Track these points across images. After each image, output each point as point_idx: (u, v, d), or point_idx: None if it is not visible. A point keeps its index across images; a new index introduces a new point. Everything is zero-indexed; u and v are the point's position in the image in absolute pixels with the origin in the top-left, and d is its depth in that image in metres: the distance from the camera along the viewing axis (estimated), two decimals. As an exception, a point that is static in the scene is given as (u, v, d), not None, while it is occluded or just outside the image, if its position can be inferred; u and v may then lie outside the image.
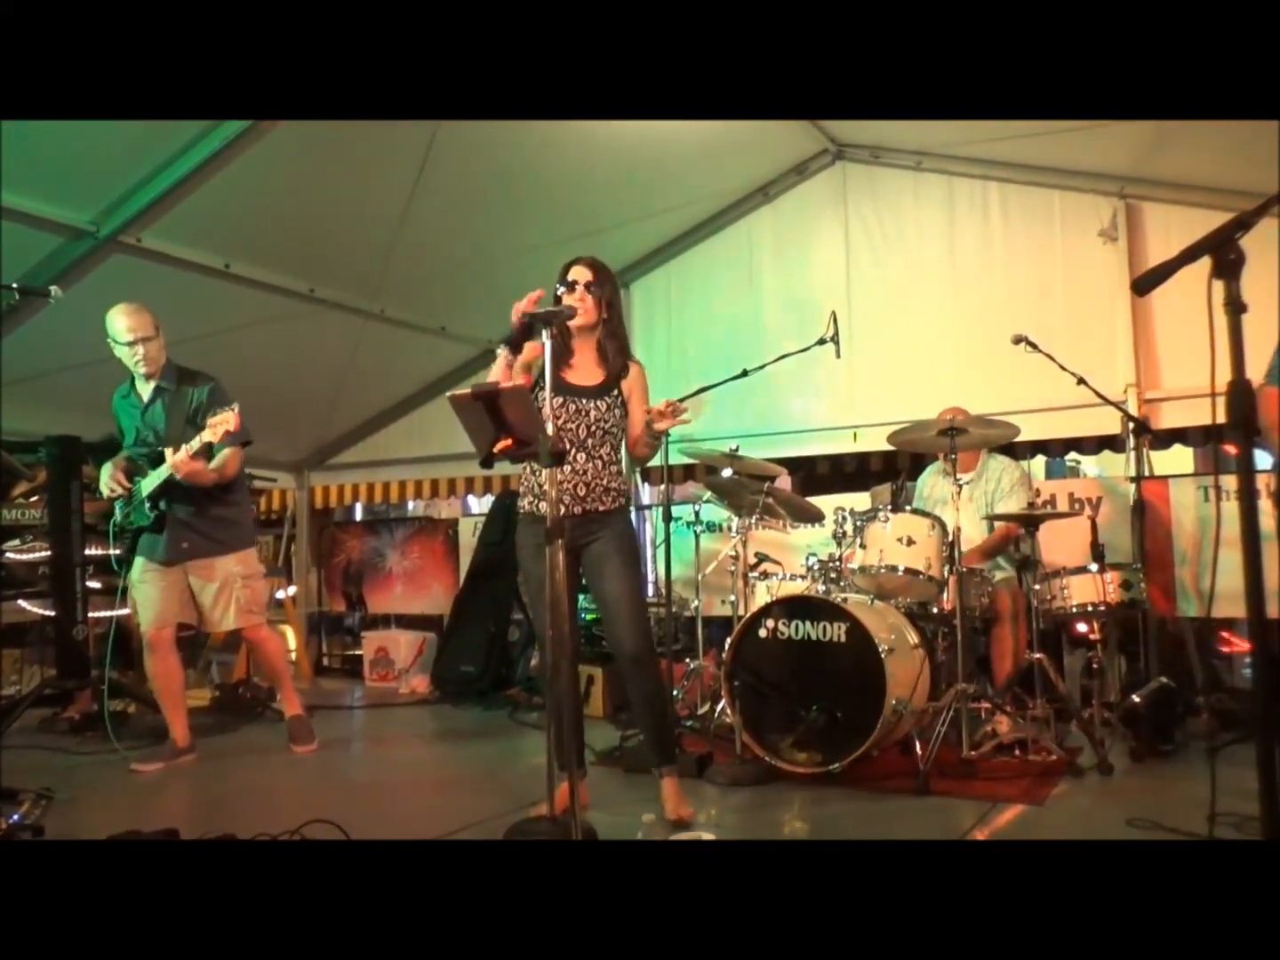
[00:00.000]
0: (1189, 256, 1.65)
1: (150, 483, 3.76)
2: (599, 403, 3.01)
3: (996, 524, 4.17)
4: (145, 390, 3.89)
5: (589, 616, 4.91)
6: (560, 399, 2.99)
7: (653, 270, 6.01)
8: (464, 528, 6.42)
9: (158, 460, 3.74)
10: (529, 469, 3.10)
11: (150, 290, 4.69)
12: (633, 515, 3.21)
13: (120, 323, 3.73)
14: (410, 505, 7.48)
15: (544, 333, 2.49)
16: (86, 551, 4.61)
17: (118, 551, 3.95)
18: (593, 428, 3.00)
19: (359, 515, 8.27)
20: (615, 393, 3.02)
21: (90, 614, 4.62)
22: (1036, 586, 3.76)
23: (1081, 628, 3.97)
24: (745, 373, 4.58)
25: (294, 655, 6.07)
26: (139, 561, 3.87)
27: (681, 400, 4.48)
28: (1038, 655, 3.66)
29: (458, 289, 5.59)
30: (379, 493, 7.07)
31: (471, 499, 7.59)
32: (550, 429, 2.42)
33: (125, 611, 5.16)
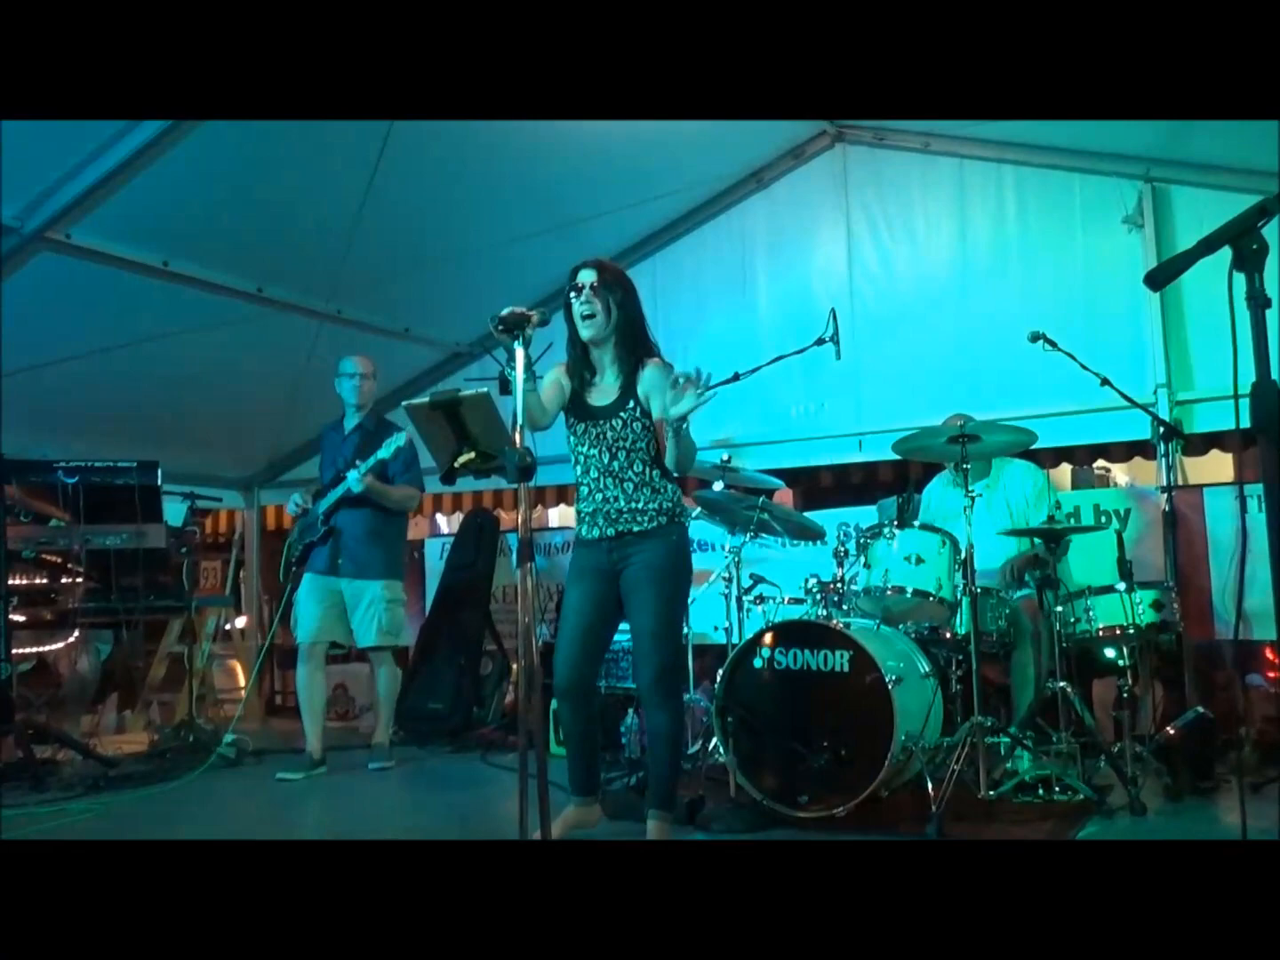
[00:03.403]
0: (1206, 248, 1.67)
1: (326, 501, 4.66)
2: (614, 420, 3.03)
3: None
4: (350, 422, 4.81)
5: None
6: (582, 425, 3.06)
7: (636, 264, 6.00)
8: (430, 550, 6.41)
9: (338, 482, 4.63)
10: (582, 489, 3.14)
11: (82, 291, 4.70)
12: (686, 531, 3.13)
13: (351, 360, 4.81)
14: (372, 525, 7.44)
15: (519, 340, 2.49)
16: (11, 581, 4.58)
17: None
18: (614, 449, 3.03)
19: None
20: (631, 405, 3.02)
21: (15, 650, 4.59)
22: (1059, 608, 3.77)
23: (1110, 653, 3.97)
24: (738, 376, 4.58)
25: (243, 692, 6.04)
26: (306, 577, 4.73)
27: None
28: (1062, 684, 3.67)
29: (423, 287, 5.60)
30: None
31: (439, 518, 7.58)
32: (518, 440, 2.42)
33: (54, 647, 5.15)
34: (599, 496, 3.04)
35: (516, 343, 2.50)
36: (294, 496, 4.87)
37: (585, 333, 3.02)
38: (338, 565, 4.66)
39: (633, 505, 3.02)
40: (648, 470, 3.04)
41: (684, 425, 2.88)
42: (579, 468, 3.11)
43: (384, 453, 4.38)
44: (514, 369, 2.52)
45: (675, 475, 3.12)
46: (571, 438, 3.11)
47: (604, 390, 3.09)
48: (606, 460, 3.04)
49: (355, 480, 4.45)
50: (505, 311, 2.52)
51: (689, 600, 3.17)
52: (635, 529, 3.02)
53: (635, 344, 3.07)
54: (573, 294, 3.00)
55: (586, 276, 3.01)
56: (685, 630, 4.68)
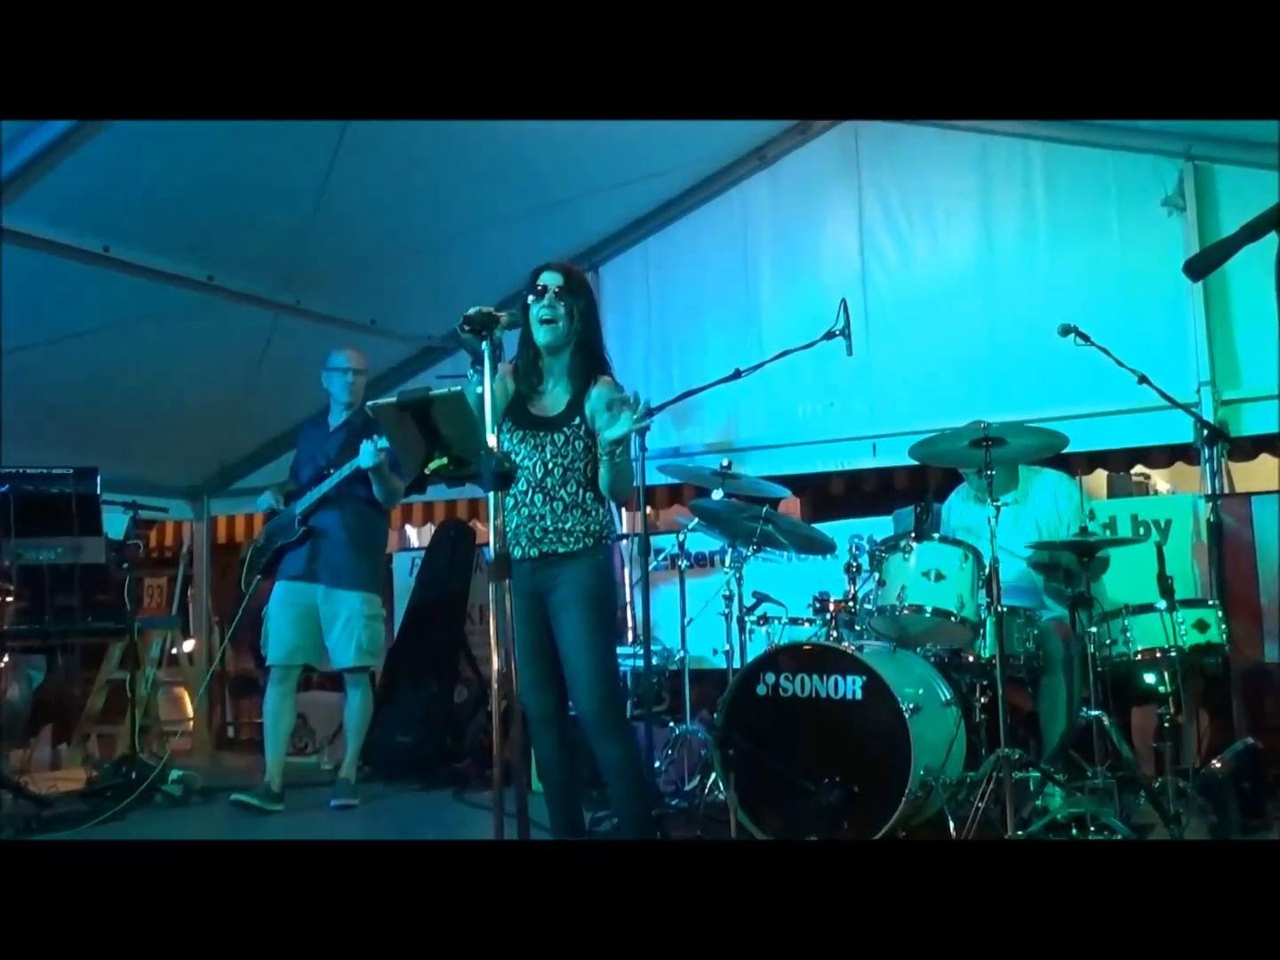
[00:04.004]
0: (1250, 234, 1.68)
1: (304, 501, 4.74)
2: (556, 435, 3.13)
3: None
4: (336, 419, 4.90)
5: None
6: (521, 432, 3.16)
7: (626, 250, 6.05)
8: (399, 565, 6.40)
9: (318, 480, 4.72)
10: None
11: (12, 280, 4.66)
12: (611, 553, 3.30)
13: (343, 354, 4.92)
14: (335, 538, 7.43)
15: (486, 342, 2.52)
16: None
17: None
18: (550, 465, 3.13)
19: (272, 551, 8.22)
20: (576, 421, 3.13)
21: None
22: (1093, 629, 3.77)
23: (1150, 678, 3.98)
24: (739, 373, 4.60)
25: (190, 725, 6.02)
26: (278, 586, 4.80)
27: (662, 407, 4.63)
28: (1096, 712, 3.67)
29: (391, 274, 5.60)
30: (295, 523, 7.04)
31: (409, 530, 7.58)
32: (493, 442, 2.43)
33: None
34: (525, 512, 3.13)
35: (484, 345, 2.54)
36: (265, 494, 4.95)
37: (542, 338, 3.13)
38: (314, 570, 4.73)
39: (560, 525, 3.12)
40: (581, 492, 3.14)
41: (619, 450, 2.99)
42: None
43: (382, 442, 4.44)
44: (480, 372, 2.56)
45: (609, 500, 3.23)
46: (506, 444, 3.19)
47: (551, 401, 3.20)
48: (540, 475, 3.13)
49: (370, 453, 4.47)
50: (473, 311, 2.57)
51: (615, 618, 3.31)
52: (560, 550, 3.12)
53: (591, 358, 3.19)
54: (532, 296, 3.11)
55: (550, 279, 3.12)
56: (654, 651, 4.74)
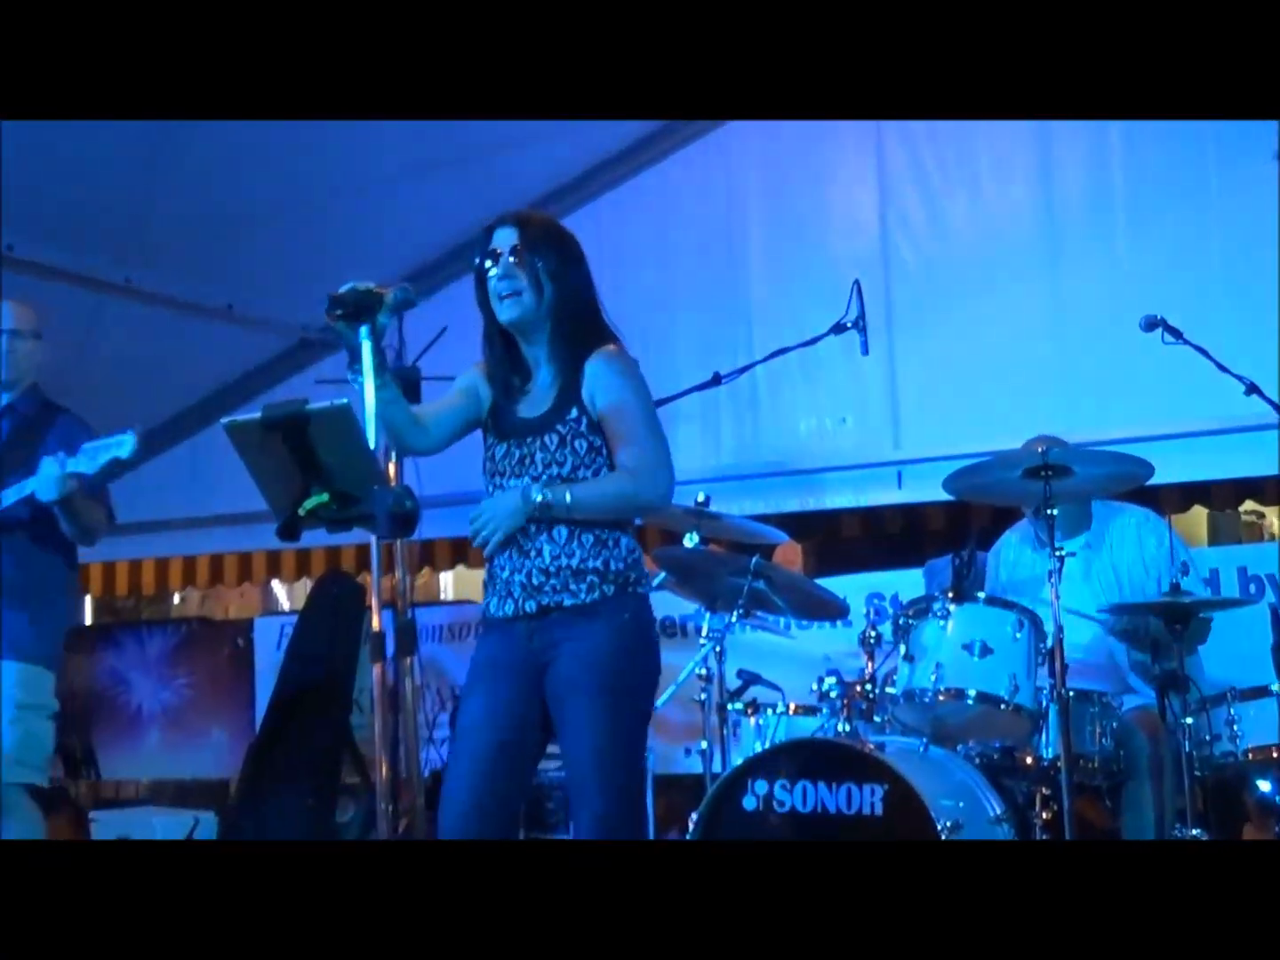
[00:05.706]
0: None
1: None
2: (547, 437, 3.01)
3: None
4: None
5: None
6: (503, 445, 3.05)
7: (578, 209, 6.03)
8: (263, 633, 6.36)
9: None
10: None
11: None
12: (644, 606, 3.12)
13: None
14: (175, 598, 7.39)
15: (363, 329, 2.52)
16: None
17: None
18: (541, 478, 3.00)
19: (88, 616, 8.15)
20: (573, 414, 3.00)
21: None
22: (1190, 719, 3.80)
23: (1265, 785, 4.01)
24: (719, 378, 4.62)
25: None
26: None
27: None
28: (1195, 830, 3.70)
29: (254, 245, 5.60)
30: (122, 577, 6.97)
31: (277, 586, 7.54)
32: (391, 472, 2.42)
33: None
34: (516, 551, 3.00)
35: (363, 335, 2.52)
36: None
37: (506, 314, 3.00)
38: None
39: (562, 564, 2.97)
40: None
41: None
42: None
43: (114, 452, 3.90)
44: (360, 373, 2.54)
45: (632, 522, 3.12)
46: (488, 463, 3.10)
47: (537, 397, 3.08)
48: None
49: (54, 482, 3.93)
50: (344, 289, 2.55)
51: (652, 709, 3.10)
52: (567, 602, 2.96)
53: (581, 328, 3.06)
54: (487, 263, 2.98)
55: (505, 237, 2.98)
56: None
